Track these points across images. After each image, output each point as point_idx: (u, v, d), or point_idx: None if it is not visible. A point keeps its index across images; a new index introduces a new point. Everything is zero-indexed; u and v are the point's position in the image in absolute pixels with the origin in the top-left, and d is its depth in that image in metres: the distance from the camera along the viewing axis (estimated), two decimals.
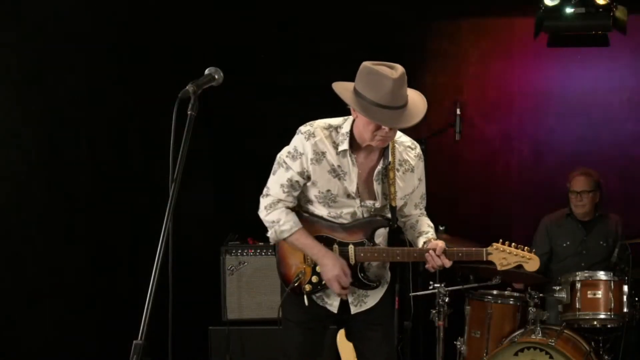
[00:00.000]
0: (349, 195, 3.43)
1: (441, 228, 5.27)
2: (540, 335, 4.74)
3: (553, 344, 4.63)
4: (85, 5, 5.55)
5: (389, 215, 3.51)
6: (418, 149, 3.56)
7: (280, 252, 3.64)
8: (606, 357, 5.02)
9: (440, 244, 3.42)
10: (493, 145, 6.44)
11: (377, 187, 3.45)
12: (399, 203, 3.49)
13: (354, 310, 3.61)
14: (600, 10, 5.81)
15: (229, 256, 5.35)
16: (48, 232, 5.42)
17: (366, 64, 3.28)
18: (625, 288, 4.94)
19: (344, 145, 3.36)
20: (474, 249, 3.44)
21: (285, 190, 3.48)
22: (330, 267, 3.45)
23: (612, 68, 6.32)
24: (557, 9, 5.87)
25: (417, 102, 3.34)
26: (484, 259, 3.41)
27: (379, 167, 3.44)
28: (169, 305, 2.88)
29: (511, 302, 5.13)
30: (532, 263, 3.45)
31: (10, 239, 5.28)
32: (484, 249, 3.41)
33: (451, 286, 5.07)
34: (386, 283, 3.70)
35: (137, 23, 5.86)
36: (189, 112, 2.63)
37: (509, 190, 6.43)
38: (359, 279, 3.53)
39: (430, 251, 3.39)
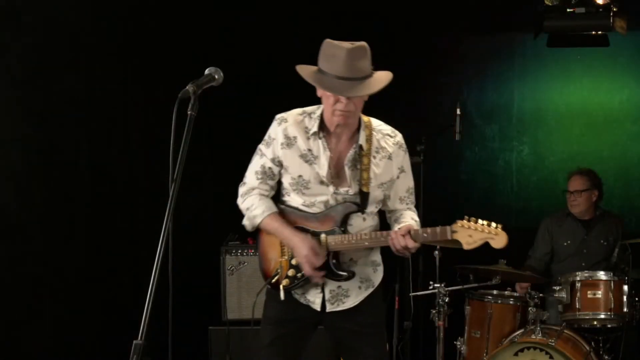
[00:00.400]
0: (322, 182, 3.38)
1: None
2: (540, 335, 4.73)
3: (553, 344, 4.63)
4: (85, 5, 5.55)
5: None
6: (398, 138, 3.49)
7: (261, 248, 3.58)
8: (606, 357, 5.01)
9: (407, 225, 3.34)
10: (493, 145, 6.44)
11: (348, 173, 3.39)
12: (373, 190, 3.40)
13: (329, 307, 3.47)
14: (600, 10, 5.81)
15: (229, 256, 5.35)
16: (48, 232, 5.42)
17: (326, 40, 3.30)
18: (625, 288, 4.94)
19: (314, 128, 3.36)
20: (438, 228, 3.28)
21: (259, 177, 3.48)
22: (299, 247, 3.36)
23: (612, 68, 6.32)
24: (557, 9, 5.87)
25: (381, 77, 3.31)
26: (449, 238, 3.26)
27: (351, 151, 3.39)
28: (169, 305, 2.88)
29: (511, 302, 5.13)
30: (498, 239, 3.23)
31: (10, 239, 5.28)
32: (448, 227, 3.27)
33: (451, 286, 5.07)
34: (371, 287, 3.54)
35: (137, 23, 5.86)
36: (189, 112, 2.63)
37: (509, 190, 6.43)
38: (330, 267, 3.42)
39: (395, 231, 3.32)
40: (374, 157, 3.41)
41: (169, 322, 2.88)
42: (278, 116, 3.47)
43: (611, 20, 5.81)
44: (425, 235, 3.28)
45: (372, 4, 6.15)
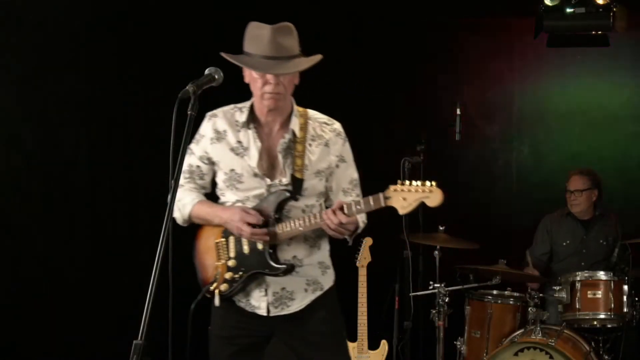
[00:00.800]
0: (255, 174, 3.22)
1: (441, 228, 5.28)
2: (540, 335, 4.74)
3: (553, 344, 4.63)
4: (85, 5, 5.55)
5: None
6: (336, 126, 3.33)
7: (197, 257, 3.38)
8: (606, 357, 5.02)
9: (339, 201, 3.13)
10: (493, 145, 6.44)
11: (281, 161, 3.22)
12: (308, 178, 3.22)
13: (273, 311, 3.25)
14: (600, 10, 5.81)
15: None
16: (48, 232, 5.42)
17: (251, 22, 3.25)
18: (625, 288, 4.94)
19: (243, 118, 3.24)
20: (370, 197, 3.05)
21: (186, 176, 3.33)
22: (230, 215, 3.18)
23: (612, 68, 6.33)
24: (557, 9, 5.87)
25: (310, 58, 3.23)
26: (383, 205, 3.02)
27: (283, 139, 3.23)
28: (169, 305, 2.88)
29: (511, 302, 5.13)
30: (433, 196, 3.00)
31: (10, 239, 5.28)
32: (381, 194, 3.02)
33: (451, 286, 5.08)
34: (320, 290, 3.32)
35: (137, 23, 5.85)
36: (189, 112, 2.63)
37: (508, 190, 6.43)
38: (266, 259, 3.20)
39: (327, 209, 3.12)
40: (310, 145, 3.25)
41: (169, 322, 2.87)
42: (209, 113, 3.34)
43: (611, 20, 5.82)
44: (358, 207, 3.06)
45: (371, 4, 6.15)
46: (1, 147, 5.29)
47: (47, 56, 5.39)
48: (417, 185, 3.01)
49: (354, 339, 5.11)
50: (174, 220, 3.18)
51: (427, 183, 3.02)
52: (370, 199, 3.04)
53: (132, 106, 5.88)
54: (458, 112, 5.55)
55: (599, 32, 6.02)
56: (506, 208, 6.37)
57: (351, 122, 5.85)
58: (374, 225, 5.44)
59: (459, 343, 5.16)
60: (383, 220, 5.44)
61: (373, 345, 5.13)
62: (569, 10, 5.85)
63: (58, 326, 5.38)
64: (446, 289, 5.00)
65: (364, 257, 5.08)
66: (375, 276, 5.16)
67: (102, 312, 5.59)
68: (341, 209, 3.06)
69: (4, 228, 5.26)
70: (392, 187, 3.02)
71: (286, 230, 3.17)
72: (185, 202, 3.30)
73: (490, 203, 6.39)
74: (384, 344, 5.15)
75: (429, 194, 3.00)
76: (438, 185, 3.01)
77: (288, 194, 3.19)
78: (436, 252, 5.21)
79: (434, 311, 5.01)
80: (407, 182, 3.01)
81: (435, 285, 5.02)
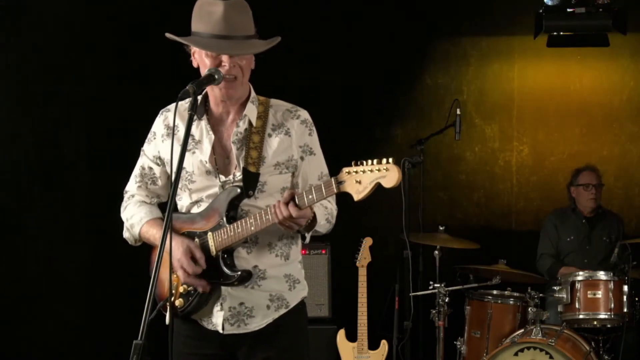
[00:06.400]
0: (207, 172, 2.90)
1: (441, 228, 5.28)
2: (540, 335, 4.73)
3: (553, 344, 4.64)
4: (85, 5, 5.55)
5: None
6: (301, 113, 2.97)
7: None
8: (606, 357, 5.02)
9: (290, 191, 2.76)
10: (493, 145, 6.44)
11: (236, 154, 2.88)
12: (266, 173, 2.88)
13: (228, 329, 2.88)
14: (600, 10, 5.81)
15: None
16: (48, 232, 5.42)
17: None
18: (625, 288, 4.94)
19: (195, 110, 2.71)
20: (322, 183, 2.67)
21: (137, 180, 3.05)
22: (173, 251, 2.79)
23: (612, 68, 6.33)
24: (558, 8, 5.86)
25: (268, 41, 2.91)
26: (336, 192, 2.64)
27: (236, 128, 2.90)
28: (169, 305, 2.87)
29: (511, 302, 5.13)
30: (389, 175, 2.58)
31: (10, 239, 5.28)
32: (333, 179, 2.64)
33: (451, 286, 5.08)
34: (284, 307, 2.94)
35: (137, 23, 5.86)
36: (189, 112, 2.63)
37: (509, 190, 6.43)
38: (222, 269, 2.85)
39: (278, 200, 2.73)
40: (269, 136, 2.90)
41: (169, 322, 2.87)
42: (162, 109, 3.07)
43: (611, 21, 5.81)
44: (310, 197, 2.68)
45: (371, 4, 6.15)
46: (1, 147, 5.29)
47: (47, 56, 5.40)
48: (371, 164, 2.60)
49: (354, 339, 5.11)
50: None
51: (384, 161, 2.60)
52: (322, 185, 2.66)
53: (132, 106, 5.88)
54: (458, 112, 5.55)
55: (599, 32, 6.02)
56: (506, 208, 6.36)
57: (351, 123, 5.87)
58: (374, 225, 5.47)
59: (459, 343, 5.16)
60: (383, 220, 5.47)
61: (373, 345, 5.13)
62: (569, 10, 5.83)
63: (58, 326, 5.39)
64: (446, 289, 5.00)
65: (364, 257, 5.08)
66: (375, 276, 5.16)
67: (103, 312, 5.59)
68: (292, 199, 2.71)
69: (4, 228, 5.26)
70: (345, 170, 2.63)
71: (238, 232, 2.80)
72: (134, 222, 3.02)
73: (490, 203, 6.39)
74: (384, 344, 5.15)
75: (385, 172, 2.58)
76: (396, 162, 2.59)
77: (239, 190, 2.84)
78: (436, 252, 5.21)
79: (434, 311, 5.01)
80: (361, 162, 2.63)
81: (435, 285, 5.02)
